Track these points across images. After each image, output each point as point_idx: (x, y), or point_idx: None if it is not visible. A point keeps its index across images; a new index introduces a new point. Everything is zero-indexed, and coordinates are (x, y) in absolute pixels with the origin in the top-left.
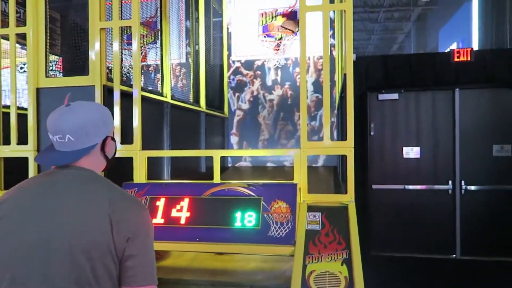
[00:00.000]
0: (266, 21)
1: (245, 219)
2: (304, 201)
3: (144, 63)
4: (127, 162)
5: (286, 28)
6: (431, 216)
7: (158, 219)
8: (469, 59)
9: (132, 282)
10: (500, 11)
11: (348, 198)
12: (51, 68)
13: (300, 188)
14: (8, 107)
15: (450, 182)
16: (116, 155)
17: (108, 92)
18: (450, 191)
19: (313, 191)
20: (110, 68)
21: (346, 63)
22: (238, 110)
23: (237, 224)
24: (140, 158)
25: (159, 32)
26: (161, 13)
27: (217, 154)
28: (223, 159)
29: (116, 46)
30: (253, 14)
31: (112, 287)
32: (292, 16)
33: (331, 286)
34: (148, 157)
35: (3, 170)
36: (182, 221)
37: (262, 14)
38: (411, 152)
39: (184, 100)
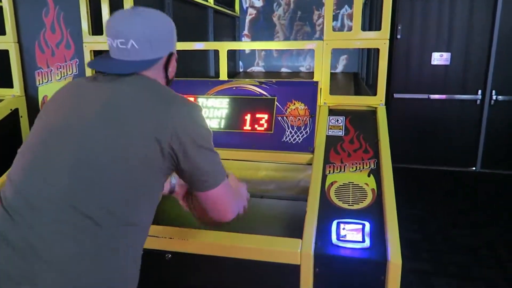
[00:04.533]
0: None
1: (256, 122)
2: (325, 103)
3: None
4: None
5: None
6: (455, 128)
7: None
8: None
9: (205, 187)
10: None
11: (378, 101)
12: None
13: (321, 88)
14: None
15: (479, 91)
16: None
17: None
18: (478, 102)
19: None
20: None
21: None
22: (250, 8)
23: (246, 127)
24: None
25: None
26: None
27: (223, 47)
28: (234, 64)
29: None
30: None
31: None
32: None
33: (355, 200)
34: None
35: None
36: None
37: None
38: (440, 58)
39: None
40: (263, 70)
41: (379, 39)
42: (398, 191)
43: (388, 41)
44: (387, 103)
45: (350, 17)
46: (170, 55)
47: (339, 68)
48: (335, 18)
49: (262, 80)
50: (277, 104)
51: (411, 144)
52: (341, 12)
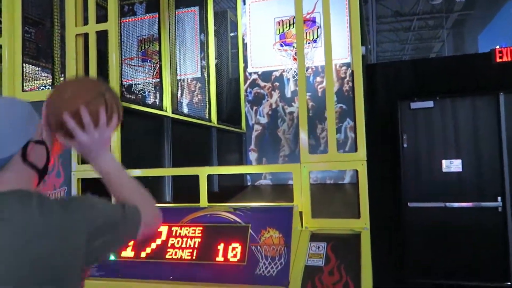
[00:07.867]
0: (283, 30)
1: (229, 253)
2: (307, 228)
3: (158, 79)
4: None
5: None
6: (479, 238)
7: (128, 252)
8: None
9: None
10: None
11: (362, 224)
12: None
13: (301, 212)
14: None
15: (499, 198)
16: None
17: None
18: (500, 209)
19: (333, 214)
20: (125, 85)
21: (353, 57)
22: (256, 125)
23: (219, 258)
24: None
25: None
26: (159, 26)
27: (203, 172)
28: (241, 178)
29: (92, 52)
30: (269, 23)
31: None
32: (310, 23)
33: None
34: (144, 177)
35: None
36: (154, 255)
37: (279, 22)
38: (451, 165)
39: (196, 116)
40: (271, 183)
41: (356, 161)
42: None
43: (365, 162)
44: (402, 213)
45: (353, 129)
46: (26, 144)
47: (347, 179)
48: (338, 130)
49: (237, 206)
50: (251, 232)
51: (433, 257)
52: (343, 125)
